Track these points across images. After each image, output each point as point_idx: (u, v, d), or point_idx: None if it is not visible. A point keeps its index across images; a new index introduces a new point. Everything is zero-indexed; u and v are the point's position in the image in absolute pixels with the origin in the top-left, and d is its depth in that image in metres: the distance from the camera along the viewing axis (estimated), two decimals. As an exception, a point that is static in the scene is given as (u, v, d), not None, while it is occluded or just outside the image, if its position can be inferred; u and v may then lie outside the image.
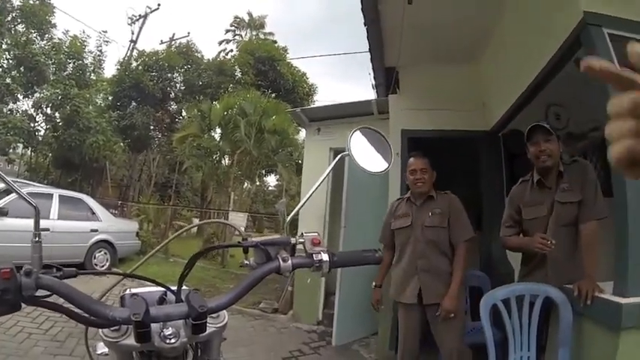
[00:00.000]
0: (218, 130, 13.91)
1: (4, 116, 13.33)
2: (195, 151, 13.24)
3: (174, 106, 18.78)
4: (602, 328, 2.24)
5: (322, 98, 25.07)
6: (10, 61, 14.99)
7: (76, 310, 0.91)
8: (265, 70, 19.20)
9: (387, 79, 5.33)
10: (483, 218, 4.72)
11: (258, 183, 21.80)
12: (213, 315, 1.05)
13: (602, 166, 4.13)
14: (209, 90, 17.64)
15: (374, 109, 6.06)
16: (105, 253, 9.02)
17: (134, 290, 1.16)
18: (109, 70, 22.28)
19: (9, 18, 15.10)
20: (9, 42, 14.79)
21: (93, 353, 1.31)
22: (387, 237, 3.50)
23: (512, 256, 3.80)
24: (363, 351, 5.01)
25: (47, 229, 6.78)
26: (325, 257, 1.14)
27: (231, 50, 25.30)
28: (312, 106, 15.84)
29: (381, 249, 3.21)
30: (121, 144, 16.62)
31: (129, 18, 21.00)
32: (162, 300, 1.12)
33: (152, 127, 17.61)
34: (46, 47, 15.67)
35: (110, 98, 17.29)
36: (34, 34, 15.60)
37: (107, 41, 18.24)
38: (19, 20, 15.43)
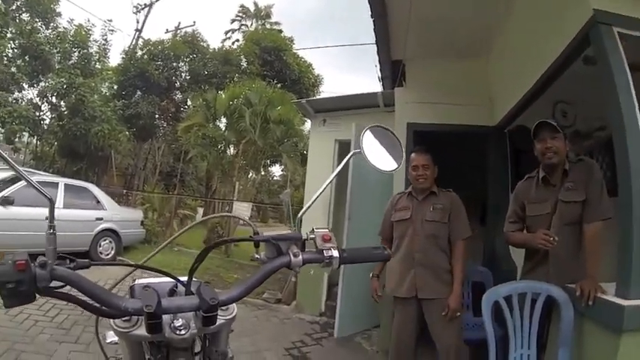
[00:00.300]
0: (223, 120, 13.91)
1: (9, 105, 13.32)
2: (200, 140, 13.23)
3: (179, 96, 18.74)
4: (603, 329, 2.24)
5: (328, 89, 25.09)
6: (15, 50, 14.97)
7: (89, 300, 0.93)
8: (271, 60, 19.13)
9: (393, 71, 5.31)
10: (488, 214, 4.73)
11: (263, 173, 21.81)
12: (222, 307, 1.06)
13: (608, 165, 4.12)
14: (214, 79, 17.60)
15: (380, 102, 6.05)
16: (110, 242, 9.07)
17: (145, 281, 1.18)
18: (115, 59, 22.22)
19: (14, 7, 15.04)
20: (14, 31, 14.75)
21: (102, 342, 1.34)
22: (386, 229, 3.52)
23: (515, 252, 3.80)
24: (365, 343, 5.04)
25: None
26: (335, 254, 1.16)
27: (237, 40, 25.21)
28: (318, 97, 15.79)
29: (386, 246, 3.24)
30: (126, 133, 16.61)
31: (134, 7, 20.94)
32: (172, 292, 1.14)
33: (157, 116, 17.60)
34: (51, 36, 15.63)
35: (115, 87, 17.26)
36: (39, 23, 15.54)
37: (112, 30, 18.09)
38: (23, 9, 15.37)
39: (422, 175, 3.27)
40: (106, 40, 17.13)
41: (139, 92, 16.96)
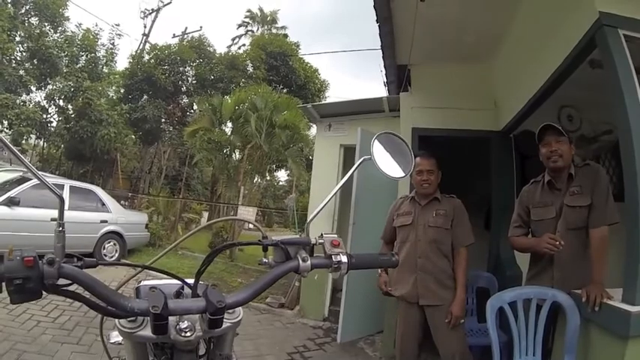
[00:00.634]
0: (229, 125, 13.93)
1: (17, 107, 13.43)
2: (205, 144, 13.25)
3: (185, 100, 18.83)
4: (609, 335, 2.22)
5: (334, 94, 25.13)
6: (24, 54, 15.13)
7: (95, 299, 0.93)
8: (277, 65, 19.22)
9: (398, 76, 5.32)
10: (493, 219, 4.70)
11: (268, 178, 21.83)
12: (229, 310, 1.06)
13: (615, 170, 4.09)
14: (220, 84, 17.68)
15: (385, 107, 6.05)
16: (114, 244, 9.08)
17: (151, 282, 1.17)
18: (122, 63, 22.52)
19: (22, 11, 15.21)
20: (23, 34, 14.90)
21: (106, 342, 1.34)
22: (387, 233, 3.52)
23: (520, 257, 3.77)
24: (368, 349, 5.01)
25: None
26: (344, 259, 1.16)
27: (244, 45, 25.33)
28: (324, 102, 15.81)
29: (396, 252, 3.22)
30: (132, 136, 16.69)
31: (141, 12, 21.24)
32: (178, 294, 1.14)
33: (163, 120, 17.68)
34: (59, 40, 15.78)
35: (122, 91, 17.40)
36: (48, 27, 15.71)
37: (120, 34, 18.38)
38: (32, 13, 15.54)
39: (426, 180, 3.25)
40: (113, 44, 17.34)
41: (145, 96, 17.08)
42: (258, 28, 28.93)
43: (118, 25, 21.61)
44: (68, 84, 14.38)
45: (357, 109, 6.53)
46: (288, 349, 4.82)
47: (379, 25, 4.20)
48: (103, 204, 9.14)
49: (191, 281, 1.11)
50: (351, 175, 1.37)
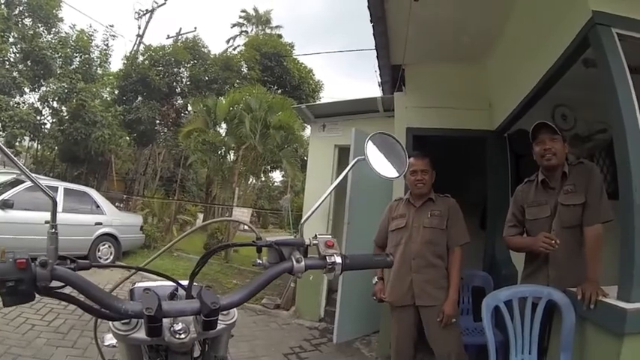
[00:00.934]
0: (224, 126, 13.91)
1: (10, 109, 13.35)
2: (200, 146, 13.22)
3: (180, 101, 18.75)
4: (605, 333, 2.22)
5: (328, 94, 25.11)
6: (17, 55, 15.04)
7: (89, 302, 0.92)
8: (272, 66, 19.21)
9: (393, 76, 5.31)
10: (488, 218, 4.71)
11: (263, 179, 21.78)
12: (223, 312, 1.06)
13: (609, 168, 4.11)
14: (215, 85, 17.64)
15: (379, 107, 6.06)
16: (109, 247, 9.04)
17: (145, 284, 1.17)
18: (116, 64, 22.39)
19: (16, 12, 15.12)
20: (16, 35, 14.82)
21: (101, 344, 1.33)
22: (381, 237, 3.51)
23: (516, 256, 3.78)
24: (364, 349, 5.01)
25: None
26: (338, 260, 1.16)
27: (238, 45, 25.30)
28: (318, 102, 15.81)
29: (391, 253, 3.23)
30: (127, 138, 16.64)
31: (136, 12, 21.11)
32: (172, 295, 1.14)
33: (158, 122, 17.60)
34: (53, 41, 15.70)
35: (116, 92, 17.31)
36: (41, 28, 15.61)
37: (114, 36, 18.22)
38: (26, 14, 15.44)
39: (420, 180, 3.26)
40: (107, 45, 17.26)
41: (139, 97, 16.99)
42: (252, 29, 28.93)
43: (112, 26, 21.61)
44: (62, 85, 14.30)
45: (352, 109, 6.54)
46: (284, 350, 4.82)
47: (373, 25, 4.20)
48: (98, 206, 9.10)
49: (185, 283, 1.11)
50: (346, 176, 1.37)
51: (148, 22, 20.98)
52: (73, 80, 14.45)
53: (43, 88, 15.31)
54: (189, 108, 17.89)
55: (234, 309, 1.11)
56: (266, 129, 12.11)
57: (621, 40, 2.45)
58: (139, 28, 20.76)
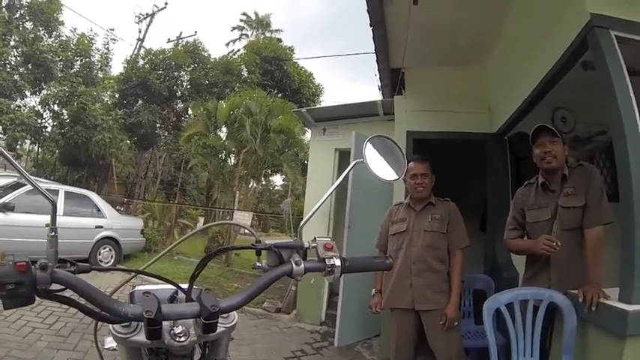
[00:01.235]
0: (224, 129, 13.92)
1: (11, 112, 13.39)
2: (201, 149, 13.22)
3: (180, 105, 18.77)
4: (606, 335, 2.22)
5: (328, 98, 25.16)
6: (18, 58, 15.08)
7: (89, 305, 0.92)
8: (272, 69, 19.23)
9: (392, 80, 5.33)
10: (488, 221, 4.71)
11: (263, 182, 21.78)
12: (223, 315, 1.05)
13: (609, 170, 4.11)
14: (215, 89, 17.65)
15: (379, 110, 6.07)
16: (110, 250, 9.04)
17: (145, 287, 1.17)
18: (116, 68, 22.46)
19: (17, 15, 15.16)
20: (17, 39, 14.86)
21: (101, 348, 1.33)
22: (382, 241, 3.51)
23: (517, 259, 3.78)
24: (365, 352, 5.01)
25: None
26: (337, 262, 1.16)
27: (238, 50, 25.34)
28: (319, 106, 15.82)
29: (390, 255, 3.24)
30: (128, 141, 16.65)
31: (136, 16, 21.17)
32: (172, 298, 1.14)
33: (158, 125, 17.62)
34: (54, 45, 15.75)
35: (117, 96, 17.34)
36: (42, 32, 15.66)
37: (114, 39, 18.35)
38: (27, 17, 15.48)
39: (420, 184, 3.26)
40: (108, 49, 17.34)
41: (140, 101, 17.01)
42: (252, 32, 28.98)
43: (112, 29, 21.66)
44: (63, 89, 14.34)
45: (352, 113, 6.55)
46: (286, 353, 4.82)
47: (373, 29, 4.21)
48: (99, 209, 9.11)
49: (185, 286, 1.11)
50: (346, 179, 1.37)
51: (148, 26, 21.06)
52: (74, 84, 14.49)
53: (44, 92, 15.36)
54: (190, 112, 17.91)
55: (234, 312, 1.10)
56: (266, 133, 12.12)
57: (620, 43, 2.45)
58: (140, 31, 20.85)
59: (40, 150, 17.04)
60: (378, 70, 5.28)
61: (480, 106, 4.82)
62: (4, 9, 14.04)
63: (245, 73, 19.10)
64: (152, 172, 19.80)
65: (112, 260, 9.02)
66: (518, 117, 4.04)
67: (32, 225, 6.76)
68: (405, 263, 3.22)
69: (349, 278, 4.95)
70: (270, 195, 26.92)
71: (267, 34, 27.81)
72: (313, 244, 1.19)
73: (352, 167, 1.41)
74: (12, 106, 13.91)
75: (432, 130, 4.91)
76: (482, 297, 3.36)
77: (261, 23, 28.83)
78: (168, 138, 18.18)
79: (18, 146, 15.16)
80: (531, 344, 2.59)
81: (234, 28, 29.45)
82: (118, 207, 13.02)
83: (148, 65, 17.46)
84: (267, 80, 18.94)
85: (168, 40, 21.19)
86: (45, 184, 8.89)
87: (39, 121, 15.24)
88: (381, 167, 1.42)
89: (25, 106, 15.37)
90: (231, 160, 14.03)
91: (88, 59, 16.34)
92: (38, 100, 15.66)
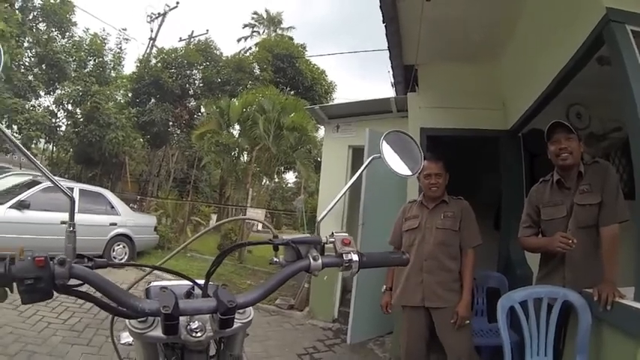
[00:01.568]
0: (237, 127, 13.98)
1: (26, 112, 13.59)
2: (213, 147, 13.30)
3: (192, 103, 18.91)
4: (622, 335, 2.19)
5: (341, 95, 25.13)
6: (32, 59, 15.33)
7: (106, 300, 0.93)
8: (284, 67, 19.28)
9: (406, 77, 5.30)
10: (502, 218, 4.68)
11: (276, 180, 21.86)
12: (239, 310, 1.06)
13: (625, 168, 4.05)
14: (228, 87, 17.74)
15: (393, 107, 6.05)
16: (123, 247, 9.13)
17: (161, 283, 1.18)
18: (129, 67, 22.77)
19: (30, 17, 15.38)
20: (31, 40, 15.10)
21: (117, 342, 1.34)
22: (396, 238, 3.50)
23: (531, 257, 3.75)
24: (377, 350, 5.00)
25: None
26: (355, 257, 1.15)
27: (250, 48, 25.40)
28: (331, 103, 15.83)
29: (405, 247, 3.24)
30: (141, 140, 16.80)
31: (148, 16, 21.35)
32: (189, 294, 1.14)
33: (171, 124, 17.78)
34: (67, 45, 15.98)
35: (130, 95, 17.52)
36: (55, 33, 15.89)
37: (127, 39, 18.64)
38: (40, 19, 15.71)
39: (434, 184, 3.25)
40: (120, 48, 17.58)
41: (152, 100, 17.17)
42: (264, 30, 29.04)
43: (125, 29, 21.87)
44: (76, 88, 14.54)
45: (365, 109, 6.53)
46: (298, 350, 4.82)
47: (385, 26, 4.19)
48: (112, 207, 9.20)
49: (201, 282, 1.11)
50: (360, 176, 1.37)
51: (160, 26, 21.22)
52: (87, 83, 14.68)
53: (58, 91, 15.58)
54: (202, 110, 18.05)
55: (251, 307, 1.11)
56: (279, 130, 12.15)
57: (636, 37, 2.41)
58: (152, 31, 21.01)
59: (54, 149, 17.27)
60: (392, 66, 5.26)
61: (494, 103, 4.77)
62: (17, 11, 14.22)
63: (257, 71, 19.17)
64: (165, 170, 19.97)
65: (126, 257, 9.11)
66: (533, 113, 4.00)
67: (47, 222, 6.85)
68: (417, 260, 3.22)
69: (362, 276, 4.94)
70: (282, 192, 27.02)
71: (279, 32, 27.85)
72: (331, 240, 1.18)
73: (369, 162, 1.40)
74: (27, 106, 14.12)
75: (445, 126, 4.87)
76: (496, 295, 3.33)
77: (272, 21, 28.91)
78: (181, 136, 18.33)
79: (33, 145, 15.37)
80: (545, 343, 2.56)
81: (245, 26, 29.59)
82: (131, 204, 13.12)
83: (160, 64, 17.62)
84: (279, 78, 19.00)
85: (180, 39, 21.41)
86: (59, 183, 8.99)
87: (53, 120, 15.47)
88: (397, 162, 1.41)
89: (39, 105, 15.66)
90: (244, 158, 14.10)
91: (100, 59, 16.54)
92: (52, 99, 15.94)
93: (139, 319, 0.98)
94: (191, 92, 18.73)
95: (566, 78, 3.26)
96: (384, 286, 3.50)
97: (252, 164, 13.07)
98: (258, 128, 11.81)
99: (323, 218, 1.26)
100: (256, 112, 12.43)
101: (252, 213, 10.97)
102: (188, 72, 18.16)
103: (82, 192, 8.64)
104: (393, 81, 5.94)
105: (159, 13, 21.37)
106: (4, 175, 9.56)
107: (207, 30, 32.71)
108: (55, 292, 0.86)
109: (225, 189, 16.09)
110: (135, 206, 14.71)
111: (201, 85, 18.66)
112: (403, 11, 3.96)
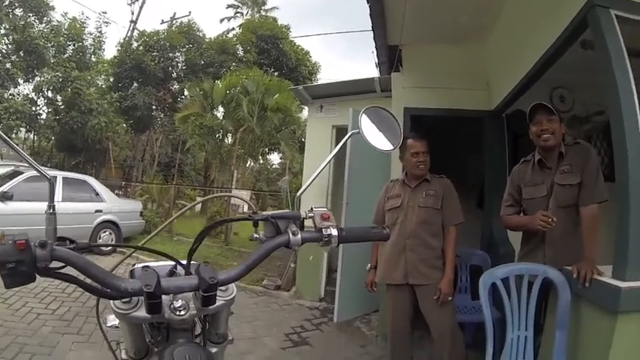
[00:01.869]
0: (221, 109, 13.89)
1: (5, 101, 13.33)
2: (197, 130, 13.21)
3: (176, 86, 18.68)
4: (600, 310, 2.24)
5: (325, 76, 24.98)
6: (10, 46, 14.98)
7: (89, 281, 0.93)
8: (268, 48, 19.08)
9: (390, 57, 5.28)
10: (485, 197, 4.73)
11: (261, 161, 21.80)
12: (222, 288, 1.07)
13: (606, 150, 4.11)
14: (211, 69, 17.55)
15: (377, 87, 6.04)
16: (110, 233, 9.09)
17: (145, 264, 1.18)
18: (110, 51, 22.33)
19: (6, 2, 14.99)
20: (7, 26, 14.73)
21: (103, 326, 1.35)
22: (379, 217, 3.53)
23: (513, 236, 3.81)
24: (364, 328, 5.07)
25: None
26: (334, 232, 1.16)
27: (233, 29, 25.06)
28: (315, 84, 15.75)
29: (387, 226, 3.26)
30: (124, 125, 16.63)
31: (128, -2, 20.81)
32: (172, 273, 1.15)
33: (154, 107, 17.55)
34: (45, 30, 15.62)
35: (111, 79, 17.25)
36: (33, 18, 15.52)
37: (107, 22, 18.13)
38: (16, 4, 15.32)
39: (423, 162, 3.27)
40: (100, 32, 17.23)
41: (135, 84, 16.92)
42: (247, 11, 28.61)
43: (104, 12, 21.20)
44: (56, 75, 14.27)
45: (349, 89, 6.52)
46: (286, 330, 4.88)
47: (370, 6, 4.15)
48: (97, 194, 9.12)
49: (184, 262, 1.12)
50: (344, 155, 1.38)
51: (141, 8, 20.79)
52: (67, 69, 14.41)
53: (37, 78, 15.29)
54: (186, 92, 17.85)
55: (233, 285, 1.12)
56: (263, 111, 12.10)
57: (620, 22, 2.42)
58: (132, 13, 20.58)
59: (35, 137, 17.03)
60: (375, 47, 5.23)
61: (478, 84, 4.79)
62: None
63: (241, 53, 18.98)
64: (149, 155, 19.81)
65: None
66: (517, 95, 4.02)
67: (31, 212, 6.77)
68: (400, 239, 3.26)
69: (347, 255, 5.01)
70: (267, 173, 26.91)
71: (263, 13, 27.47)
72: (310, 214, 1.19)
73: (349, 137, 1.41)
74: (5, 94, 13.84)
75: (429, 106, 4.89)
76: (479, 273, 3.38)
77: (256, 1, 28.43)
78: (165, 120, 18.14)
79: (13, 135, 15.10)
80: (526, 318, 2.62)
81: (229, 6, 29.09)
82: (116, 191, 13.03)
83: (142, 47, 17.33)
84: (263, 59, 18.82)
85: (162, 22, 21.03)
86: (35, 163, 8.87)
87: (33, 108, 15.19)
88: (377, 137, 1.42)
89: (18, 94, 15.35)
90: (228, 140, 14.04)
91: (80, 44, 16.23)
92: (32, 87, 15.62)
93: (123, 300, 0.98)
94: (174, 75, 18.50)
95: (550, 61, 3.27)
96: (369, 265, 3.55)
97: (236, 146, 13.01)
98: (242, 110, 11.75)
99: (303, 192, 1.27)
100: (240, 94, 12.34)
101: (237, 194, 10.98)
102: (171, 55, 17.91)
103: (65, 180, 8.55)
104: (377, 61, 5.91)
105: (139, -5, 20.92)
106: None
107: (190, 12, 32.15)
108: (37, 275, 0.86)
109: (210, 171, 16.04)
110: (120, 192, 14.61)
111: (184, 67, 18.43)
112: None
